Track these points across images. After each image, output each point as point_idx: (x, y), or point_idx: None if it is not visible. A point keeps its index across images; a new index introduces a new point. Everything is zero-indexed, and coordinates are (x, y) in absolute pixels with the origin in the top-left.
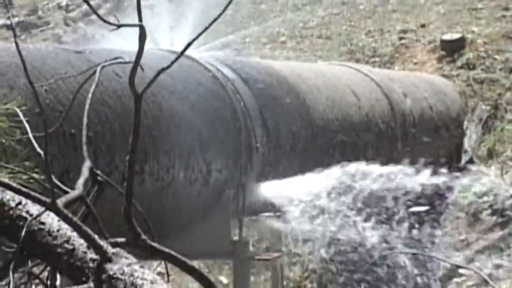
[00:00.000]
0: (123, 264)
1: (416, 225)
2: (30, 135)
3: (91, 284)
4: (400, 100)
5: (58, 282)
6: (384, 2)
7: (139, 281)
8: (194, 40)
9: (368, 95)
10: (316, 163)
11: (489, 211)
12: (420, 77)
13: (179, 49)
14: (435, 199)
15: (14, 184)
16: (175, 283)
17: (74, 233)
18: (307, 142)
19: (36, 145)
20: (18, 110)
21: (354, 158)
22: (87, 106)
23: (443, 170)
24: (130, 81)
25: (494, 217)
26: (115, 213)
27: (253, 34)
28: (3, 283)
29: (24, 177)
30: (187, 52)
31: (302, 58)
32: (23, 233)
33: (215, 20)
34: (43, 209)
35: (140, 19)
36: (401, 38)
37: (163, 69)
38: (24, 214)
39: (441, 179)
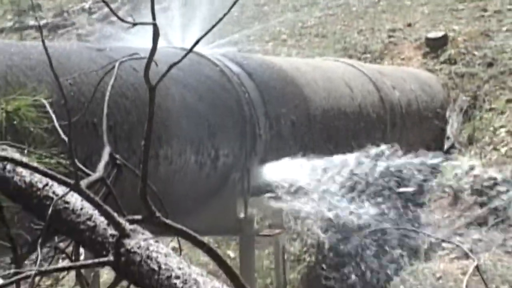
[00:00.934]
0: (140, 239)
1: (403, 204)
2: (56, 124)
3: (111, 257)
4: (389, 91)
5: (81, 256)
6: (375, 4)
7: (154, 254)
8: (201, 37)
9: (360, 87)
10: (313, 149)
11: (469, 191)
12: (407, 71)
13: (190, 46)
14: (420, 181)
15: (42, 168)
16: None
17: (96, 212)
18: (305, 130)
19: (61, 132)
20: (45, 102)
21: (347, 144)
22: (107, 98)
23: (428, 154)
24: (145, 75)
25: (474, 197)
26: (132, 193)
27: (257, 33)
28: (32, 256)
29: (51, 161)
30: (198, 49)
31: (301, 54)
32: (49, 212)
33: (220, 19)
34: (67, 190)
35: (154, 18)
36: (389, 36)
37: (174, 64)
38: (50, 194)
39: (426, 162)
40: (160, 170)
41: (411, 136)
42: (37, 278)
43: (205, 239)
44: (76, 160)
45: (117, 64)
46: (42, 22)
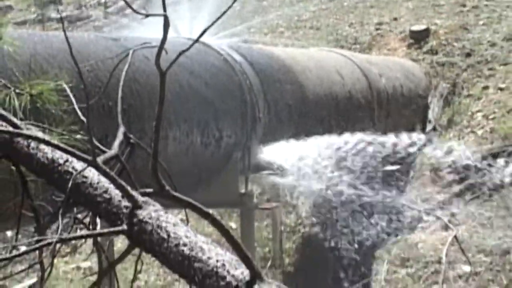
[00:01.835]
0: (151, 210)
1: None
2: (75, 106)
3: (125, 227)
4: (376, 79)
5: (98, 226)
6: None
7: (163, 224)
8: (207, 29)
9: (351, 75)
10: (307, 131)
11: (448, 169)
12: (393, 61)
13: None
14: (405, 160)
15: (62, 145)
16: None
17: (111, 185)
18: (300, 113)
19: (80, 114)
20: (65, 86)
21: (339, 126)
22: (121, 83)
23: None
24: (156, 61)
25: (453, 175)
26: (144, 170)
27: (257, 26)
28: (54, 226)
29: (70, 140)
30: (204, 40)
31: (296, 45)
32: (69, 185)
33: (224, 12)
34: (85, 165)
35: (165, 10)
36: (377, 29)
37: (183, 51)
38: (70, 169)
39: (410, 143)
40: (169, 149)
41: (396, 119)
42: (58, 245)
43: (209, 211)
44: (93, 139)
45: (130, 52)
46: (63, 14)
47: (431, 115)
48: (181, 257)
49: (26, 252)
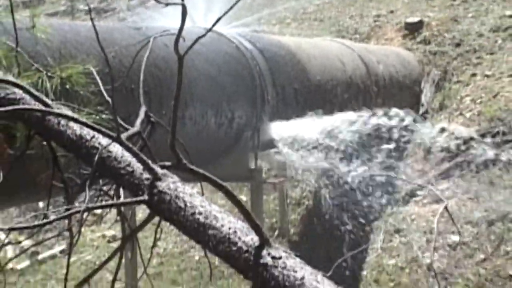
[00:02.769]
0: (170, 182)
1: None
2: (101, 88)
3: (146, 197)
4: (374, 66)
5: (121, 196)
6: None
7: (181, 195)
8: (220, 18)
9: (351, 62)
10: (311, 113)
11: (439, 148)
12: (390, 50)
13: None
14: (400, 139)
15: (89, 123)
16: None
17: (133, 159)
18: (306, 97)
19: (105, 95)
20: (93, 70)
21: (340, 108)
22: (143, 67)
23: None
24: (174, 47)
25: (443, 153)
26: (163, 146)
27: (266, 17)
28: (81, 197)
29: (97, 118)
30: (217, 29)
31: (302, 35)
32: (96, 159)
33: (236, 3)
34: (110, 141)
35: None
36: (375, 21)
37: (199, 37)
38: (96, 145)
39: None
40: (186, 129)
41: (392, 103)
42: (85, 214)
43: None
44: (117, 117)
45: (151, 40)
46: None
47: (424, 99)
48: (196, 225)
49: (56, 219)
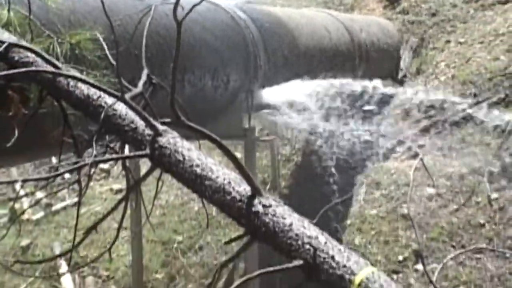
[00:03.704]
0: (169, 137)
1: (368, 118)
2: (107, 52)
3: (148, 151)
4: (357, 34)
5: (126, 151)
6: None
7: (180, 149)
8: None
9: (336, 31)
10: (300, 77)
11: (417, 109)
12: (371, 19)
13: None
14: (381, 101)
15: (96, 84)
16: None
17: (136, 117)
18: (294, 62)
19: (111, 59)
20: (99, 36)
21: (326, 73)
22: (145, 33)
23: (387, 81)
24: (173, 13)
25: (420, 113)
26: (163, 106)
27: None
28: (89, 151)
29: (103, 80)
30: (214, 0)
31: (292, 6)
32: (102, 117)
33: None
34: (115, 100)
35: None
36: None
37: (196, 4)
38: (103, 103)
39: (386, 87)
40: (185, 91)
41: (374, 68)
42: (93, 168)
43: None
44: (122, 79)
45: (152, 8)
46: None
47: (402, 64)
48: (194, 176)
49: (66, 172)
